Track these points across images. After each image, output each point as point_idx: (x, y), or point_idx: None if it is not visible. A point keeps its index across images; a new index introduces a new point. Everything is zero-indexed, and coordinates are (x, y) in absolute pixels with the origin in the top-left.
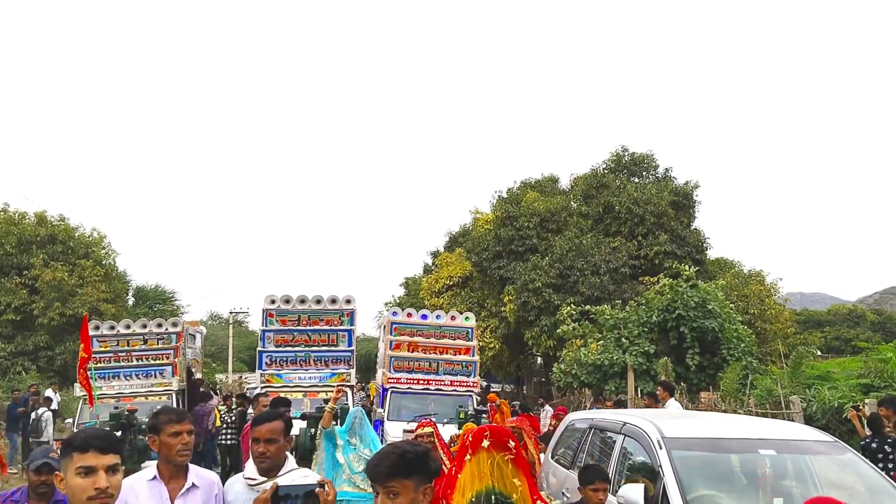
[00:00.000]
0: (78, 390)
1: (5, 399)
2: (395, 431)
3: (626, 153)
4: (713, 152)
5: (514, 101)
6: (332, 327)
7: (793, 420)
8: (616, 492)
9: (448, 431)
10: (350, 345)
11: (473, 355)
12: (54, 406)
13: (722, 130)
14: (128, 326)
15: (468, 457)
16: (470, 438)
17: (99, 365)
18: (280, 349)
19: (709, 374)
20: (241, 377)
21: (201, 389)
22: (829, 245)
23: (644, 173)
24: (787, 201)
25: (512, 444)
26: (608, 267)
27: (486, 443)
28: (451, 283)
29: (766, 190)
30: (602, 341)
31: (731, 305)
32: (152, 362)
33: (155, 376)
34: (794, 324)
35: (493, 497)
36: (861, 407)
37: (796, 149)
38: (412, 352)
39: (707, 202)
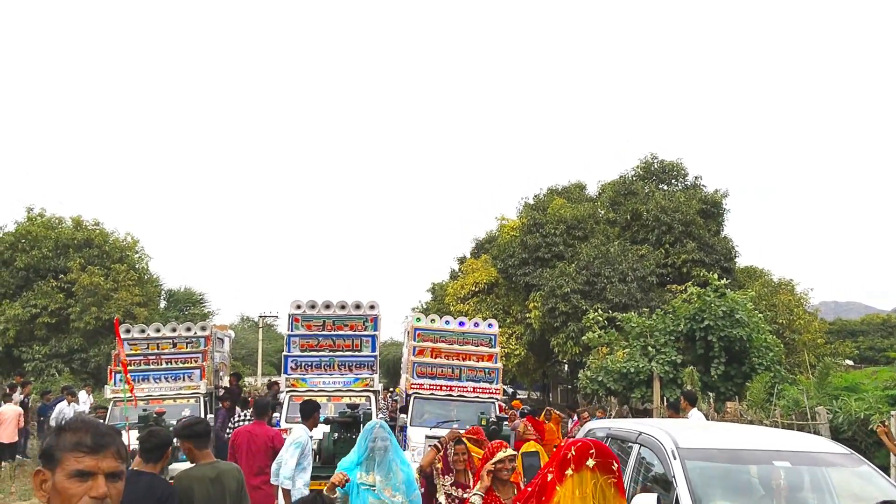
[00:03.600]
0: (109, 392)
1: (38, 401)
2: (418, 437)
3: (656, 160)
4: (744, 160)
5: (543, 107)
6: (357, 332)
7: (818, 431)
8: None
9: None
10: (374, 350)
11: (496, 362)
12: (86, 408)
13: (754, 137)
14: (158, 330)
15: (570, 472)
16: (573, 452)
17: (129, 367)
18: (305, 354)
19: (736, 384)
20: (269, 380)
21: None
22: (865, 254)
23: (673, 181)
24: (823, 209)
25: (615, 465)
26: (635, 275)
27: (591, 462)
28: (476, 290)
29: (801, 198)
30: (628, 349)
31: (760, 315)
32: (181, 366)
33: (183, 379)
34: (827, 333)
35: None
36: (886, 422)
37: (831, 156)
38: (435, 358)
39: (737, 210)
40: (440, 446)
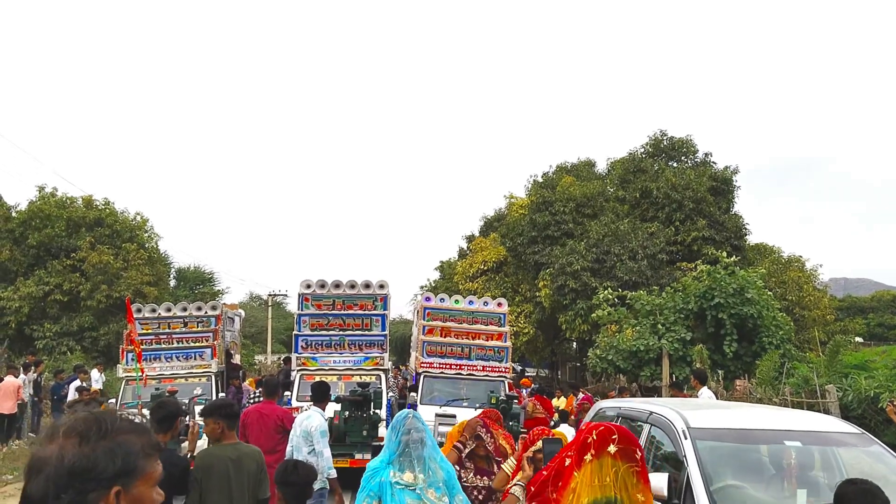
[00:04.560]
0: (121, 371)
1: (51, 379)
2: (428, 415)
3: (665, 137)
4: (755, 136)
5: (552, 85)
6: (366, 312)
7: (828, 409)
8: None
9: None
10: (383, 329)
11: (506, 341)
12: (99, 385)
13: (763, 114)
14: (168, 309)
15: (589, 457)
16: (594, 436)
17: (141, 347)
18: (315, 333)
19: (745, 362)
20: (279, 358)
21: (241, 372)
22: (875, 231)
23: (683, 158)
24: (832, 186)
25: (639, 454)
26: (645, 252)
27: (612, 448)
28: (485, 268)
29: (810, 175)
30: (638, 327)
31: (770, 293)
32: (192, 345)
33: (195, 358)
34: (836, 310)
35: None
36: (895, 401)
37: (841, 131)
38: (445, 337)
39: (747, 187)
40: (461, 447)
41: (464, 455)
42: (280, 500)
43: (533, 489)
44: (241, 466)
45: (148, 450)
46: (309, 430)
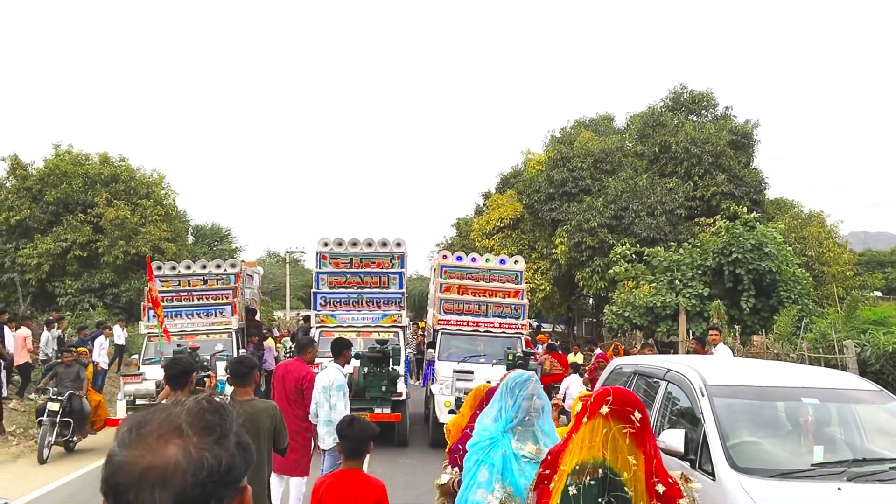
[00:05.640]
0: (143, 328)
1: (74, 335)
2: (446, 371)
3: (685, 91)
4: (776, 89)
5: (570, 39)
6: (384, 270)
7: (846, 365)
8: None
9: (497, 373)
10: (401, 287)
11: (522, 298)
12: (121, 341)
13: (785, 66)
14: (188, 267)
15: (585, 419)
16: (592, 398)
17: (162, 304)
18: (333, 290)
19: (763, 317)
20: (297, 314)
21: (264, 330)
22: None
23: (702, 112)
24: (854, 138)
25: (638, 415)
26: (663, 208)
27: (604, 409)
28: (502, 225)
29: (832, 128)
30: (655, 283)
31: (789, 248)
32: (212, 302)
33: (215, 315)
34: (856, 265)
35: (599, 471)
36: None
37: (864, 82)
38: (461, 294)
39: (767, 141)
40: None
41: None
42: (339, 450)
43: (549, 458)
44: (256, 421)
45: None
46: (327, 386)
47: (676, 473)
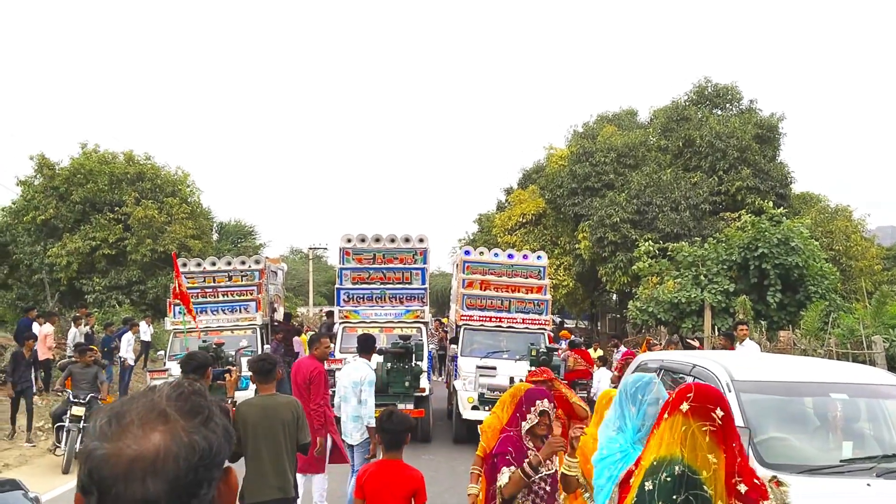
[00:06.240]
0: (169, 324)
1: (101, 332)
2: (469, 367)
3: (710, 84)
4: (802, 81)
5: (593, 31)
6: (406, 265)
7: (874, 360)
8: None
9: (520, 368)
10: (423, 283)
11: (545, 294)
12: (147, 338)
13: (811, 58)
14: (213, 264)
15: (666, 415)
16: (674, 395)
17: (190, 301)
18: (356, 286)
19: (790, 313)
20: (320, 310)
21: (294, 324)
22: None
23: (727, 105)
24: (884, 130)
25: (720, 413)
26: (688, 203)
27: (685, 406)
28: (524, 221)
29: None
30: (679, 279)
31: (815, 243)
32: (237, 298)
33: (240, 311)
34: (884, 259)
35: (676, 468)
36: None
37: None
38: (484, 290)
39: (794, 135)
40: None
41: (524, 433)
42: (378, 442)
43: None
44: (276, 415)
45: None
46: (358, 381)
47: (767, 475)
